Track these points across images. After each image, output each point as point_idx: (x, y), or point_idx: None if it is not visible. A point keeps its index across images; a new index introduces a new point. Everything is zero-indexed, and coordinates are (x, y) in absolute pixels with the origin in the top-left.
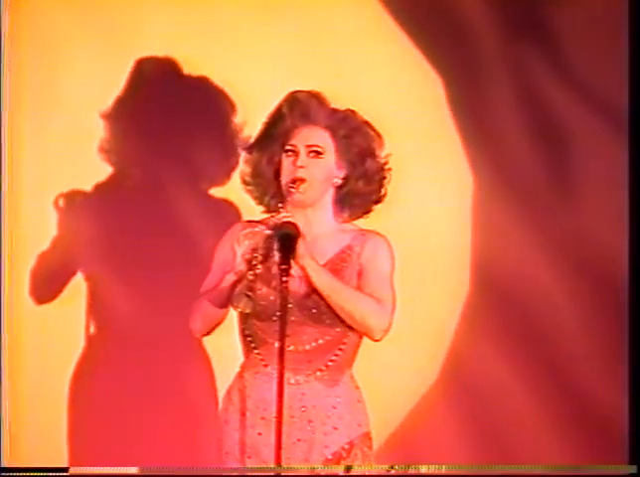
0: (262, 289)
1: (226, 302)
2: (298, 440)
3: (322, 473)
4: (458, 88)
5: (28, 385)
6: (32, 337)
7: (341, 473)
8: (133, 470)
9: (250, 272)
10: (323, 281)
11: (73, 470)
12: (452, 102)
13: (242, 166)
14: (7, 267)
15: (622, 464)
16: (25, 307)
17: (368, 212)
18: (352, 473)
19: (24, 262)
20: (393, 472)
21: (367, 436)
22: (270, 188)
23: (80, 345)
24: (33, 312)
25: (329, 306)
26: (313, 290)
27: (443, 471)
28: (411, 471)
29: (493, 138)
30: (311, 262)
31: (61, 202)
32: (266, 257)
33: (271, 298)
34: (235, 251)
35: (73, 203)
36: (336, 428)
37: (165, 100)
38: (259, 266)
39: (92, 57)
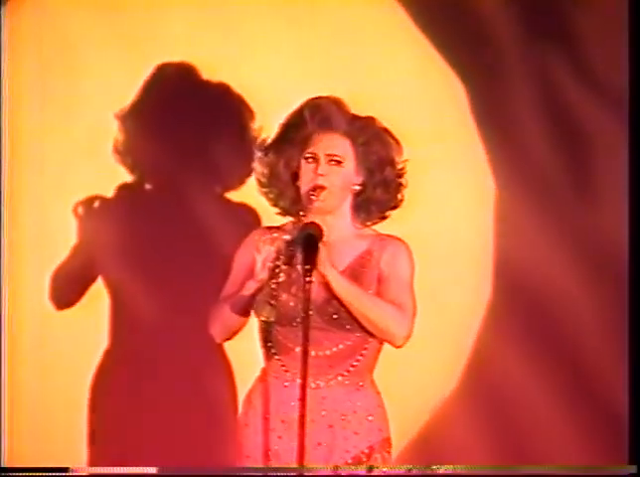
0: (282, 296)
1: (247, 310)
2: (319, 444)
3: (344, 473)
4: (479, 91)
5: (28, 384)
6: (33, 338)
7: (363, 473)
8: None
9: (273, 280)
10: (344, 289)
11: (72, 470)
12: (473, 105)
13: (258, 167)
14: (27, 271)
15: (622, 464)
16: (28, 310)
17: (384, 217)
18: (374, 473)
19: (43, 267)
20: (413, 472)
21: (387, 441)
22: (287, 191)
23: (84, 348)
24: (37, 313)
25: (350, 312)
26: (333, 296)
27: (463, 471)
28: (430, 471)
29: (514, 141)
30: (332, 270)
31: (80, 209)
32: (288, 264)
33: (291, 304)
34: (255, 258)
35: (91, 209)
36: (356, 433)
37: (183, 105)
38: (282, 274)
39: (111, 60)
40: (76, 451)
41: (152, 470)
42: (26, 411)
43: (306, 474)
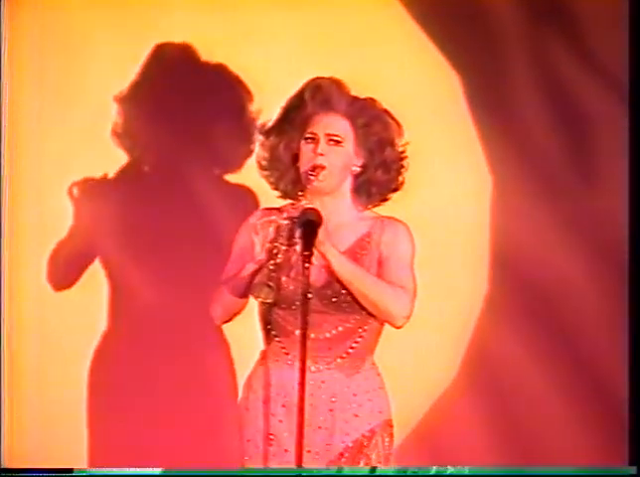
0: (282, 278)
1: (246, 292)
2: (319, 428)
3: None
4: (476, 76)
5: (28, 384)
6: (32, 334)
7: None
8: (157, 470)
9: (271, 262)
10: (345, 268)
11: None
12: (470, 91)
13: (259, 150)
14: (27, 255)
15: (622, 464)
16: (28, 298)
17: (385, 200)
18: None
19: (43, 249)
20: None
21: (388, 424)
22: (287, 173)
23: (82, 341)
24: (37, 299)
25: (349, 294)
26: (332, 279)
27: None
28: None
29: (511, 124)
30: (332, 250)
31: (76, 190)
32: (288, 246)
33: (291, 288)
34: (253, 241)
35: (88, 190)
36: (356, 416)
37: (181, 87)
38: (280, 256)
39: (112, 44)
40: (77, 450)
41: (152, 460)
42: (27, 410)
43: (304, 475)
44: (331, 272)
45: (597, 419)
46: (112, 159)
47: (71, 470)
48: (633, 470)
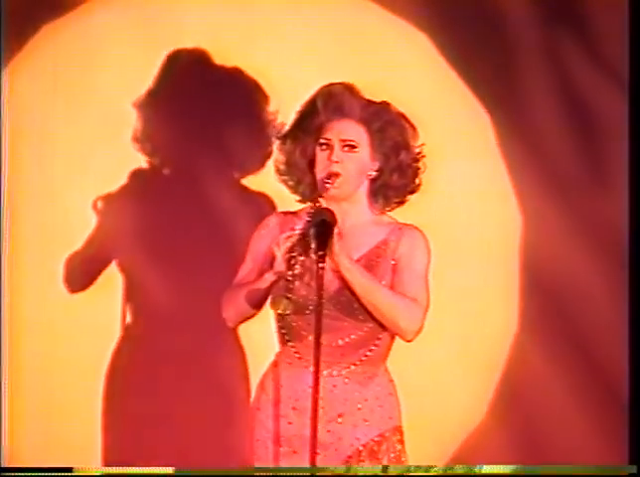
0: (295, 283)
1: (263, 302)
2: (328, 432)
3: (360, 473)
4: (491, 79)
5: (29, 383)
6: (34, 334)
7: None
8: (169, 470)
9: (290, 273)
10: (358, 281)
11: (76, 470)
12: (484, 93)
13: (276, 156)
14: (30, 258)
15: (622, 464)
16: (30, 301)
17: (402, 203)
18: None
19: (59, 251)
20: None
21: (397, 429)
22: (305, 178)
23: (83, 341)
24: (40, 303)
25: (361, 303)
26: (346, 285)
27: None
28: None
29: (528, 129)
30: (345, 261)
31: (99, 203)
32: (304, 255)
33: (304, 293)
34: (271, 248)
35: (108, 196)
36: (366, 421)
37: (197, 91)
38: (298, 266)
39: (126, 48)
40: (79, 449)
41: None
42: (27, 409)
43: (318, 474)
44: (344, 279)
45: (598, 418)
46: (122, 163)
47: (70, 469)
48: (633, 469)
